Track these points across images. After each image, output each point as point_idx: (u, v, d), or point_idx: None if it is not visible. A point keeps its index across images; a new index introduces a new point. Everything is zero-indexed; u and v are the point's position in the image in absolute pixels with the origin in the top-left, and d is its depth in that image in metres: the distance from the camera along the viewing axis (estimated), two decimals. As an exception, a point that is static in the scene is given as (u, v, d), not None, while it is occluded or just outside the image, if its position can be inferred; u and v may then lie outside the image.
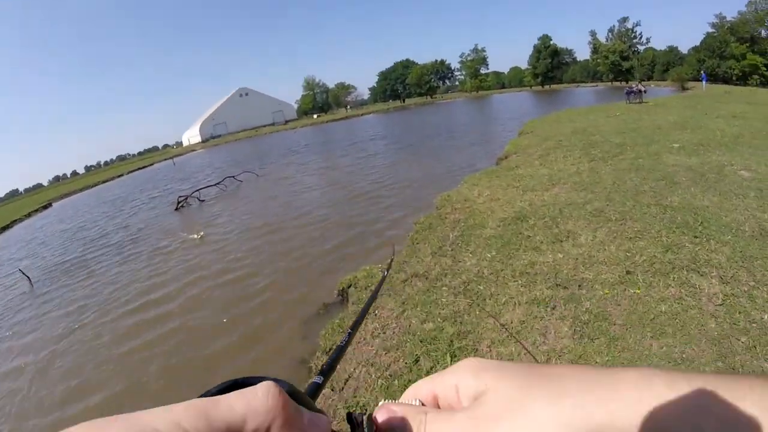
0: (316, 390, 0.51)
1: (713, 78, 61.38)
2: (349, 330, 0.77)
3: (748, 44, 66.02)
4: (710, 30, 71.04)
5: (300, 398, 0.38)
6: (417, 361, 4.18)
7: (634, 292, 4.56)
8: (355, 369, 4.36)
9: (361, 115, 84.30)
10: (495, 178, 10.71)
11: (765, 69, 65.72)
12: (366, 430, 0.44)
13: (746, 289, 4.37)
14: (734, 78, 65.06)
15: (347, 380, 4.24)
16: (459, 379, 0.44)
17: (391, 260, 3.23)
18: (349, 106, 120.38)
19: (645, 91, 25.90)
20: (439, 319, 4.80)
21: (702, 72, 53.26)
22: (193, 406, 0.31)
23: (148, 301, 8.66)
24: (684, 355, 3.63)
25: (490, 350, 4.08)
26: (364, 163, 20.62)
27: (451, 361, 4.01)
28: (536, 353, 3.90)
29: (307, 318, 6.44)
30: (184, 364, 6.05)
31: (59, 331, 8.28)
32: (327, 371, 0.56)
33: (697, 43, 74.79)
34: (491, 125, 29.66)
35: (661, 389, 0.35)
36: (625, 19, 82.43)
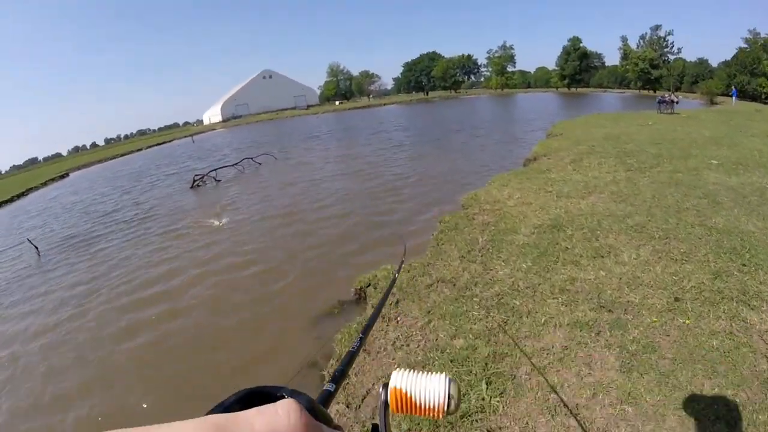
0: (327, 398, 0.54)
1: (742, 95, 60.06)
2: (361, 335, 0.74)
3: None
4: (743, 45, 69.54)
5: (318, 414, 0.38)
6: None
7: (684, 323, 4.18)
8: (374, 385, 4.03)
9: (384, 104, 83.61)
10: (525, 180, 10.29)
11: None
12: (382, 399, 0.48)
13: None
14: (763, 96, 63.66)
15: (365, 397, 3.91)
16: None
17: (402, 261, 2.93)
18: (371, 95, 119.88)
19: (677, 102, 25.23)
20: (470, 336, 4.41)
21: (733, 87, 51.99)
22: (209, 425, 0.29)
23: (154, 291, 8.31)
24: (737, 399, 3.27)
25: (530, 378, 3.73)
26: (386, 154, 20.17)
27: (487, 388, 3.67)
28: (581, 386, 3.54)
29: (321, 316, 6.14)
30: (186, 364, 5.73)
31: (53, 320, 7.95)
32: (338, 378, 0.57)
33: (728, 58, 72.99)
34: (517, 124, 29.04)
35: None
36: (657, 27, 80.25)
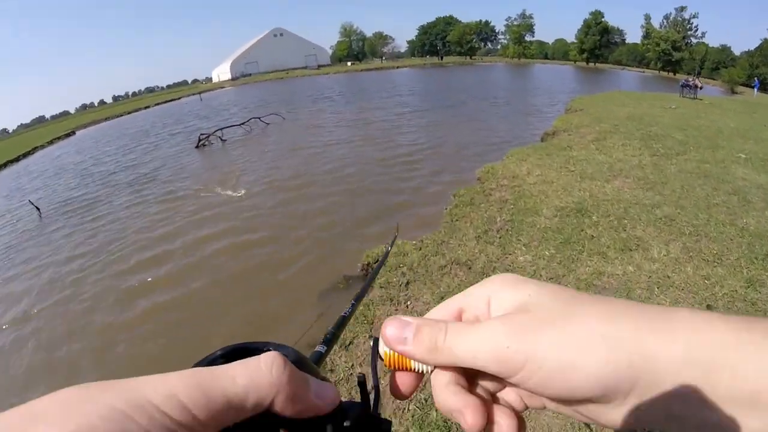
0: (318, 359, 0.53)
1: (764, 87, 59.13)
2: (353, 301, 0.73)
3: None
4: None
5: (306, 366, 0.38)
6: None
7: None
8: (381, 379, 3.71)
9: (397, 67, 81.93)
10: (545, 156, 9.81)
11: None
12: (373, 351, 0.46)
13: None
14: None
15: (370, 393, 3.61)
16: (492, 292, 0.41)
17: (395, 237, 2.58)
18: (384, 57, 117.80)
19: (701, 87, 24.45)
20: None
21: (755, 78, 50.79)
22: (190, 376, 0.29)
23: (152, 256, 8.04)
24: None
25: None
26: (400, 121, 19.45)
27: None
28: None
29: (325, 292, 5.84)
30: (181, 335, 5.51)
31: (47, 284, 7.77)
32: (330, 341, 0.56)
33: (752, 48, 71.49)
34: (535, 96, 28.14)
35: (720, 331, 0.32)
36: (682, 8, 77.89)
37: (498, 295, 0.40)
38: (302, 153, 14.58)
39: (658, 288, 4.54)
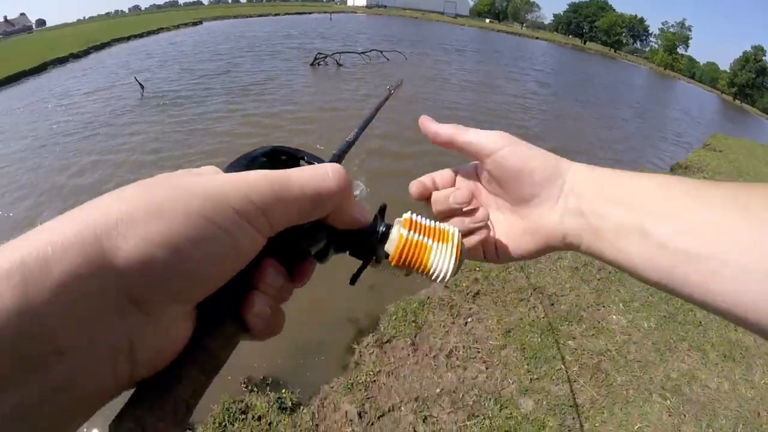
0: None
1: None
2: (357, 130, 0.71)
3: None
4: None
5: None
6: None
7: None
8: (402, 403, 3.23)
9: (536, 38, 77.85)
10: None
11: None
12: (379, 218, 0.46)
13: None
14: None
15: (384, 414, 3.15)
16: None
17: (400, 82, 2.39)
18: (525, 24, 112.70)
19: None
20: (545, 403, 3.39)
21: None
22: (265, 179, 0.31)
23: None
24: None
25: None
26: (530, 102, 17.39)
27: None
28: None
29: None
30: None
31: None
32: (337, 159, 0.57)
33: None
34: (673, 113, 25.92)
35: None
36: None
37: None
38: (416, 108, 12.83)
39: (743, 425, 3.74)
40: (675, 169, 11.49)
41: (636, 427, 3.41)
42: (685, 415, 3.60)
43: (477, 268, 4.90)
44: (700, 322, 4.78)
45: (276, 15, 60.46)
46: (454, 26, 68.63)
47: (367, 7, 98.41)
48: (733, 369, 4.31)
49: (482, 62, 27.38)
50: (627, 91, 30.77)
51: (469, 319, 4.16)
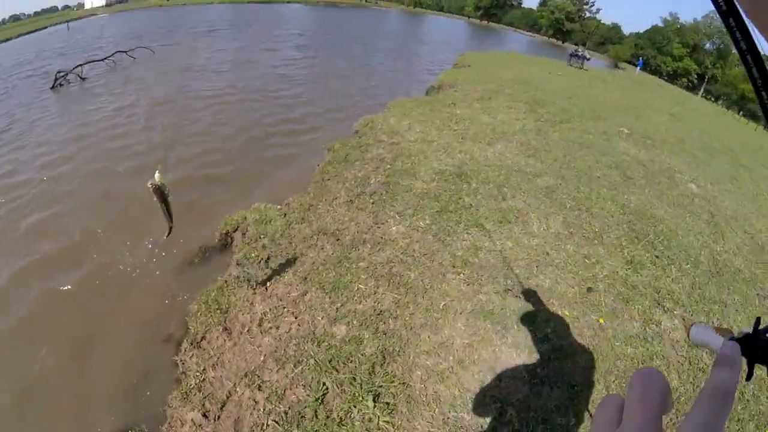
0: None
1: (645, 67, 66.61)
2: None
3: (689, 50, 72.93)
4: (659, 24, 77.16)
5: None
6: (324, 396, 2.97)
7: (597, 321, 3.74)
8: (235, 386, 3.11)
9: (288, 1, 77.92)
10: (428, 111, 9.45)
11: (695, 77, 73.95)
12: None
13: None
14: (664, 74, 72.12)
15: (224, 404, 3.02)
16: None
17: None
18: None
19: (588, 59, 25.76)
20: (355, 322, 3.57)
21: (640, 58, 57.78)
22: None
23: None
24: None
25: (426, 388, 3.01)
26: (289, 69, 17.03)
27: (374, 405, 2.87)
28: (485, 397, 2.92)
29: (178, 267, 4.98)
30: None
31: None
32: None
33: (641, 30, 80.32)
34: (427, 46, 28.04)
35: None
36: None
37: None
38: (165, 108, 11.51)
39: (536, 267, 4.34)
40: (430, 92, 12.49)
41: (441, 305, 3.69)
42: (481, 280, 3.99)
43: (263, 235, 4.87)
44: (471, 205, 5.35)
45: (8, 40, 50.62)
46: (212, 5, 64.96)
47: (106, 5, 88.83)
48: (512, 229, 4.93)
49: (237, 39, 26.02)
50: (383, 37, 32.57)
51: (267, 284, 4.07)
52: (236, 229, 5.22)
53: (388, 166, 6.44)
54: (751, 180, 9.67)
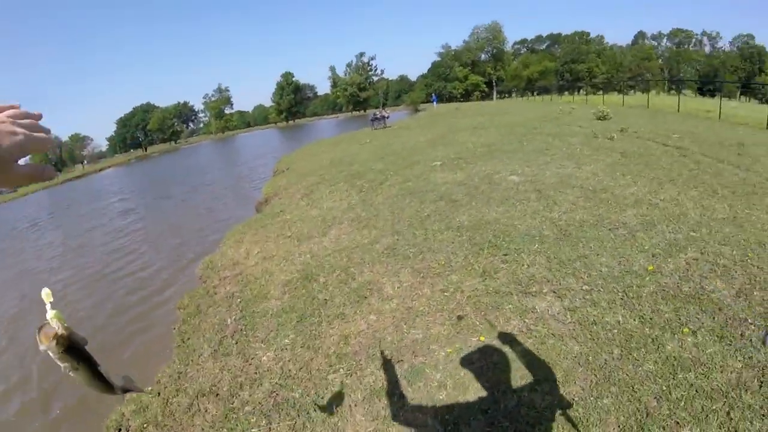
0: None
1: (441, 98, 74.51)
2: None
3: (469, 68, 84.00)
4: (437, 58, 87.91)
5: None
6: None
7: (479, 341, 3.91)
8: None
9: (100, 170, 75.28)
10: (261, 228, 9.47)
11: (484, 86, 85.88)
12: None
13: (584, 296, 4.29)
14: (459, 96, 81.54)
15: None
16: None
17: None
18: (86, 161, 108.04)
19: (388, 116, 27.67)
20: None
21: (433, 94, 64.32)
22: None
23: None
24: (576, 397, 3.13)
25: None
26: (120, 238, 16.00)
27: None
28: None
29: None
30: None
31: None
32: None
33: (425, 71, 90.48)
34: (244, 166, 28.54)
35: None
36: (362, 54, 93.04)
37: None
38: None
39: (405, 324, 4.45)
40: (259, 208, 12.64)
41: (335, 408, 3.58)
42: (360, 365, 3.99)
43: (145, 425, 4.49)
44: (325, 300, 5.42)
45: None
46: (22, 199, 58.41)
47: None
48: (370, 302, 5.02)
49: (60, 227, 23.31)
50: (203, 172, 32.43)
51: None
52: (119, 429, 4.78)
53: (239, 300, 6.31)
54: (562, 143, 10.90)
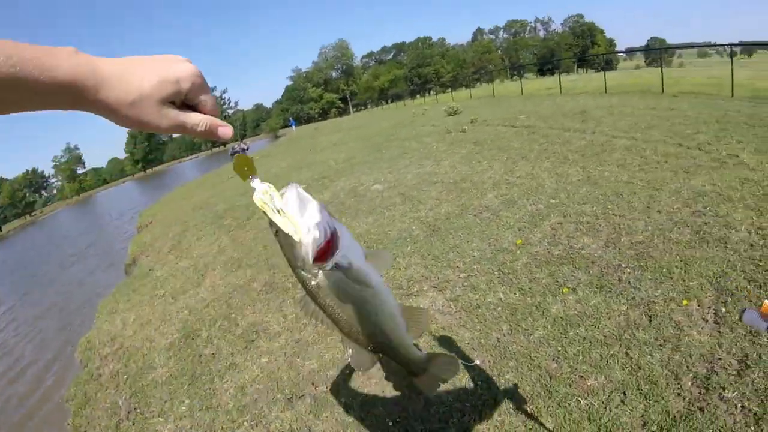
0: None
1: (300, 121, 75.53)
2: None
3: (322, 87, 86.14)
4: (289, 83, 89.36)
5: None
6: None
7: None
8: None
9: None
10: (132, 292, 8.93)
11: (339, 103, 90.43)
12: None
13: (462, 283, 4.62)
14: (317, 116, 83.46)
15: None
16: None
17: None
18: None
19: (248, 148, 27.31)
20: None
21: (290, 118, 65.01)
22: None
23: None
24: (479, 380, 3.33)
25: None
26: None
27: None
28: None
29: None
30: None
31: None
32: None
33: (280, 96, 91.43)
34: (108, 226, 26.80)
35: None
36: (213, 89, 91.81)
37: None
38: None
39: (299, 358, 4.49)
40: (128, 270, 11.92)
41: None
42: (263, 412, 3.89)
43: None
44: (213, 354, 5.27)
45: None
46: None
47: None
48: (259, 345, 4.99)
49: None
50: (68, 243, 29.71)
51: None
52: None
53: (125, 377, 5.90)
54: (419, 144, 11.45)
